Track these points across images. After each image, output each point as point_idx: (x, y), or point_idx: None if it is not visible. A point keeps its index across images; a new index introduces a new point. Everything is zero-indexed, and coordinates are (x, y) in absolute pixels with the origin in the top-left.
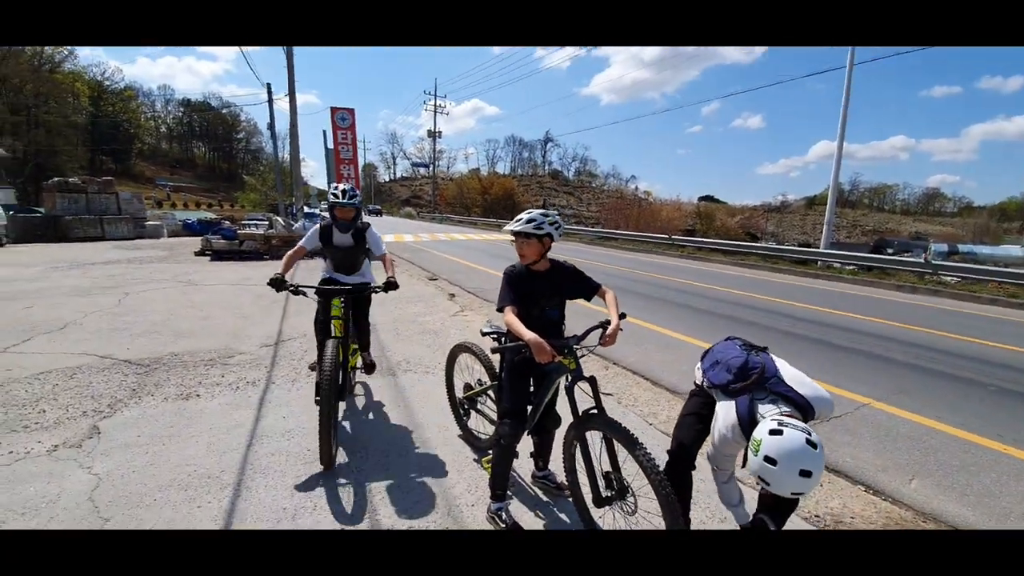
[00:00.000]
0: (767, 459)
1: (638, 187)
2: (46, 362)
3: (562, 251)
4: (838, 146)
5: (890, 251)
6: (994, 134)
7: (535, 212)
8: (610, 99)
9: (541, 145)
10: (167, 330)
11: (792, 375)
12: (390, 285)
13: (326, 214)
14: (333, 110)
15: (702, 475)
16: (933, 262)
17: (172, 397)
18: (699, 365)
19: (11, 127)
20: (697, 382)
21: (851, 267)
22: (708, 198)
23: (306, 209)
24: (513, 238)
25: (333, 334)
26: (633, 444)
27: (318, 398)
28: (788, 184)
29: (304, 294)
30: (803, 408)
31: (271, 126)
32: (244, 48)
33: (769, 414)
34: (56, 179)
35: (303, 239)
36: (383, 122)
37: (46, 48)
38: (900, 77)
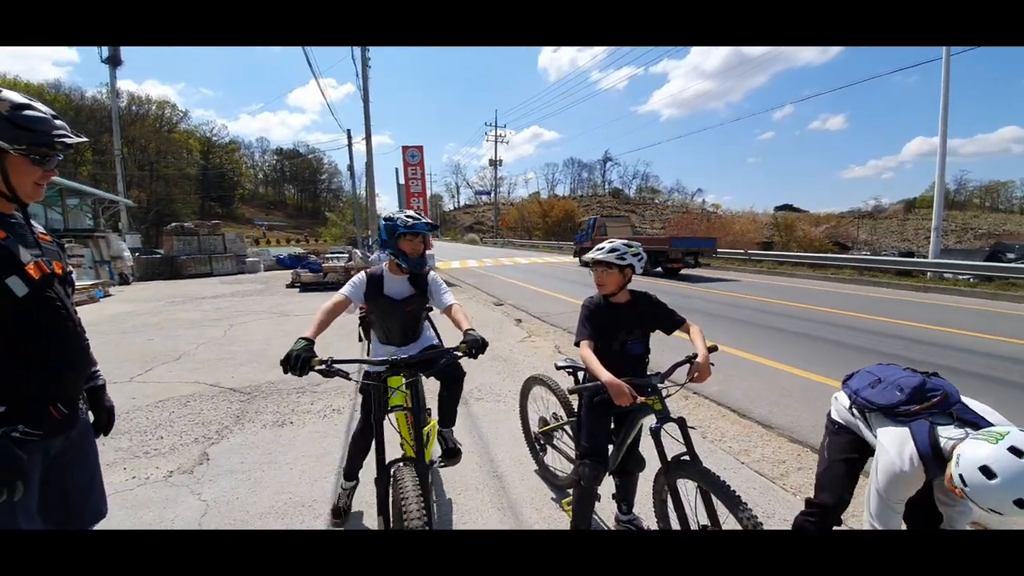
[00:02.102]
0: (983, 470)
1: (705, 200)
2: (164, 391)
3: None
4: (941, 142)
5: (1011, 256)
6: None
7: (618, 241)
8: (671, 113)
9: (600, 165)
10: (265, 359)
11: (975, 404)
12: (475, 344)
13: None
14: (404, 148)
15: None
16: None
17: (269, 424)
18: (840, 394)
19: (137, 180)
20: (837, 417)
21: (966, 277)
22: (786, 207)
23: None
24: (591, 267)
25: (404, 451)
26: (733, 501)
27: None
28: (880, 187)
29: (345, 375)
30: None
31: (350, 167)
32: (328, 99)
33: (955, 435)
34: (173, 224)
35: (345, 287)
36: (447, 155)
37: (165, 111)
38: (1004, 63)
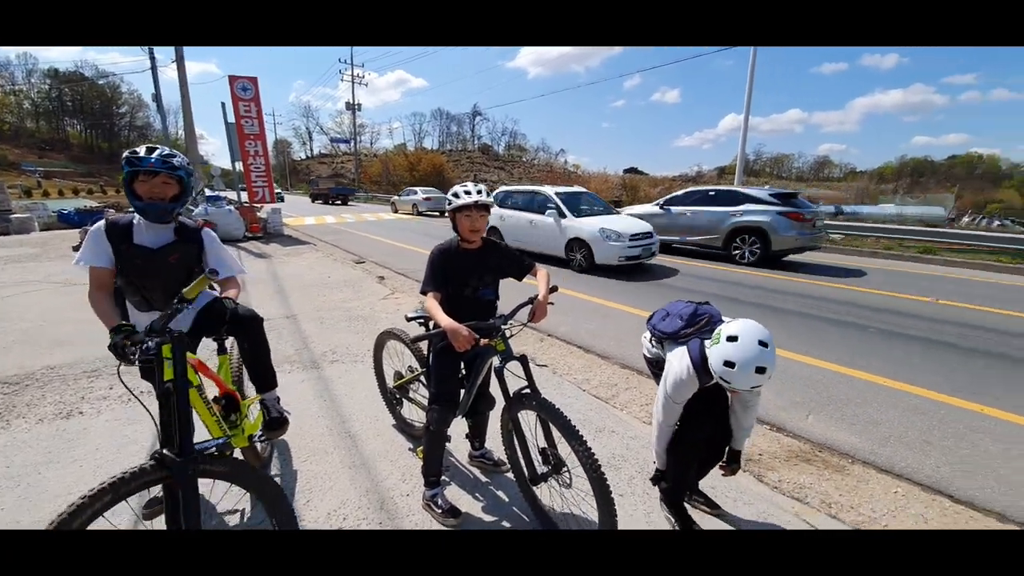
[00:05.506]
0: (727, 363)
1: (567, 160)
2: None
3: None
4: (744, 120)
5: None
6: (873, 106)
7: (468, 183)
8: (537, 72)
9: (469, 119)
10: (42, 339)
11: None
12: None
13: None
14: (232, 79)
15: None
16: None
17: (49, 417)
18: (646, 334)
19: None
20: (648, 353)
21: None
22: (632, 170)
23: (208, 192)
24: (460, 215)
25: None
26: (565, 424)
27: None
28: (702, 155)
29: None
30: None
31: (156, 97)
32: None
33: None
34: None
35: (80, 254)
36: (296, 94)
37: None
38: (794, 55)
